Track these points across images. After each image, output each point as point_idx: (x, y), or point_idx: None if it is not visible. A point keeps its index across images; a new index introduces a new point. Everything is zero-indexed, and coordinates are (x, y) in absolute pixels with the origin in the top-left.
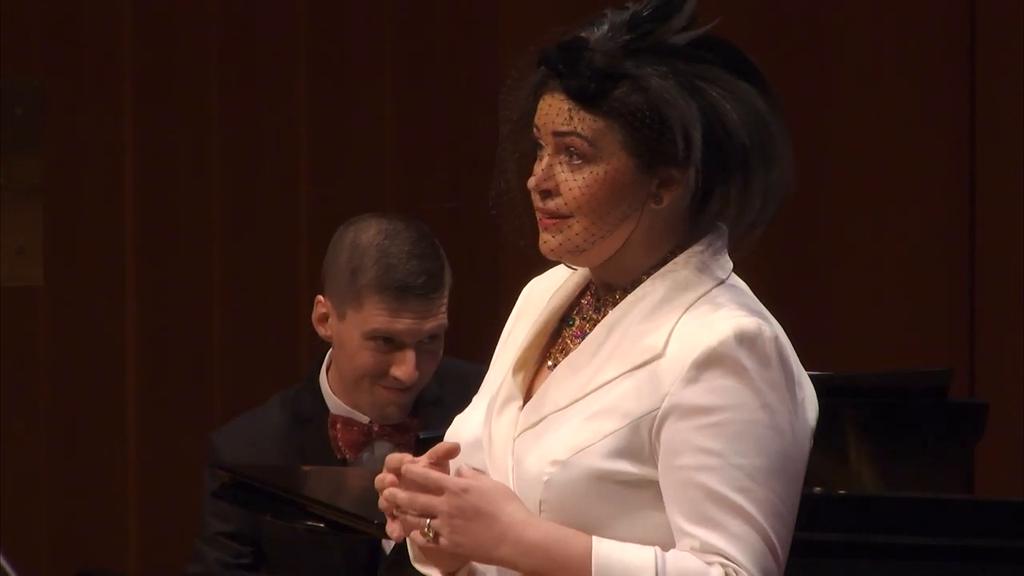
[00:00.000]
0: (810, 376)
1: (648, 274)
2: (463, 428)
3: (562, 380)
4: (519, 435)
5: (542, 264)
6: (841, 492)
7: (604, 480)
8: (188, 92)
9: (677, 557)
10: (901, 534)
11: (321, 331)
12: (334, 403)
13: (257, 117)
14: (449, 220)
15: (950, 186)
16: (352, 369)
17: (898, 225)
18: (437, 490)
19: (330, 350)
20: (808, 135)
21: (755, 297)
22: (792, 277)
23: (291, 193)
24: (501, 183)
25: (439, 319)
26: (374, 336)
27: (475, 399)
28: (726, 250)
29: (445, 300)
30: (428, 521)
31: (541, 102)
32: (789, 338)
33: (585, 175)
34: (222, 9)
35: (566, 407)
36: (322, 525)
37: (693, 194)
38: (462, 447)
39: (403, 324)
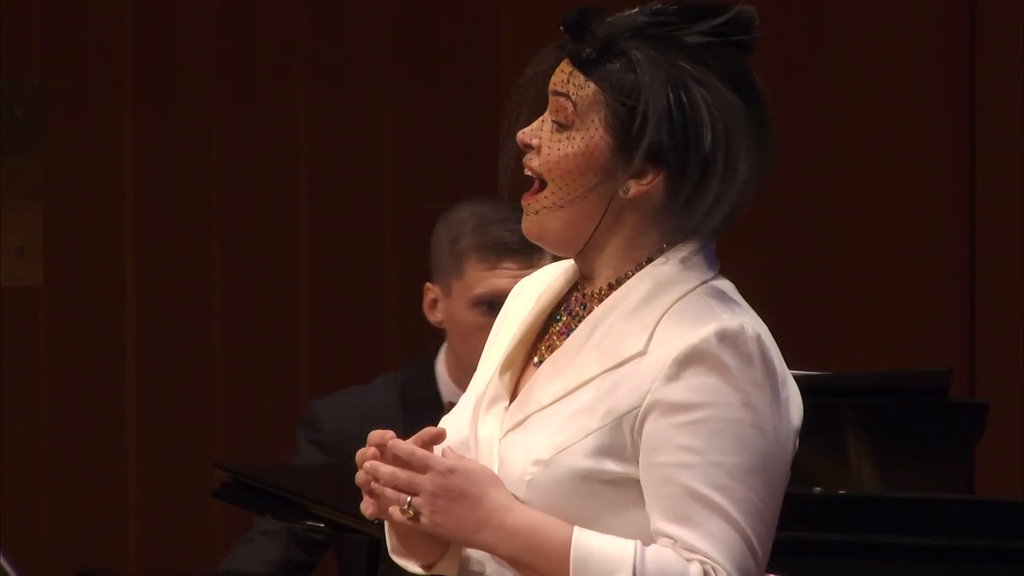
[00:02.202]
0: (810, 376)
1: (634, 271)
2: (450, 429)
3: (546, 379)
4: (504, 435)
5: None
6: (841, 492)
7: (587, 479)
8: (188, 92)
9: (657, 551)
10: (901, 534)
11: (432, 317)
12: (450, 390)
13: (257, 117)
14: None
15: (950, 186)
16: (464, 347)
17: (898, 225)
18: (422, 468)
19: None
20: (808, 135)
21: (741, 297)
22: (792, 277)
23: (291, 193)
24: (507, 133)
25: None
26: (479, 301)
27: (462, 399)
28: (713, 250)
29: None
30: (409, 498)
31: (559, 64)
32: (789, 338)
33: (563, 140)
34: (222, 9)
35: (549, 405)
36: (322, 525)
37: (662, 188)
38: (452, 447)
39: (504, 281)
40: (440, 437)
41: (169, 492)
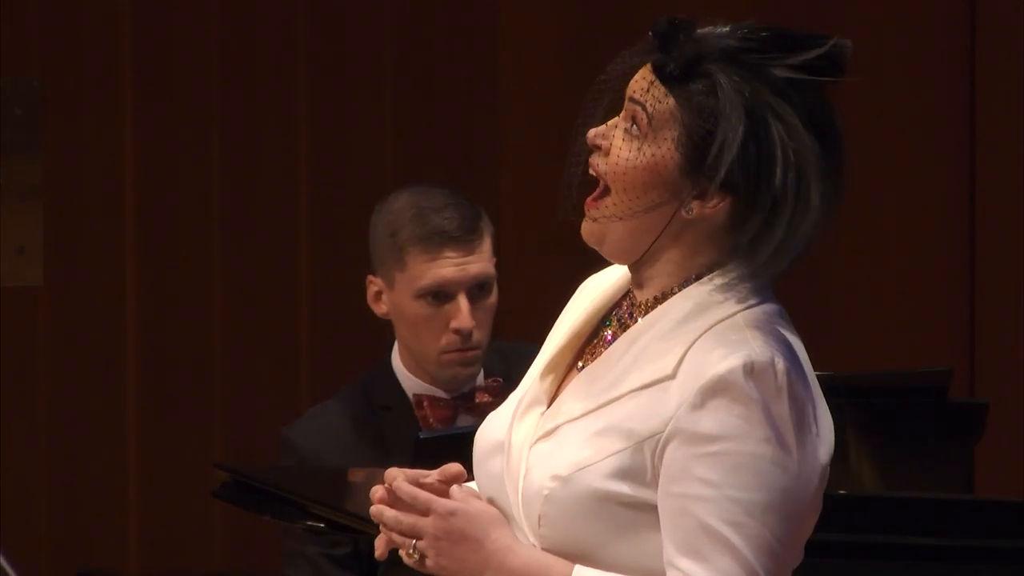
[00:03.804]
0: None
1: (680, 288)
2: (490, 428)
3: (580, 390)
4: (535, 442)
5: (539, 265)
6: (841, 492)
7: (604, 500)
8: (188, 92)
9: None
10: (901, 534)
11: (377, 310)
12: (411, 383)
13: (257, 117)
14: None
15: (950, 186)
16: (414, 338)
17: (898, 225)
18: (425, 511)
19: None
20: None
21: (788, 323)
22: (792, 277)
23: (291, 193)
24: (579, 129)
25: (482, 264)
26: (423, 293)
27: (511, 395)
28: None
29: (487, 247)
30: (414, 542)
31: (641, 69)
32: None
33: (633, 149)
34: (222, 9)
35: (578, 418)
36: (322, 525)
37: (728, 216)
38: (487, 448)
39: (447, 271)
40: (460, 476)
41: (169, 492)
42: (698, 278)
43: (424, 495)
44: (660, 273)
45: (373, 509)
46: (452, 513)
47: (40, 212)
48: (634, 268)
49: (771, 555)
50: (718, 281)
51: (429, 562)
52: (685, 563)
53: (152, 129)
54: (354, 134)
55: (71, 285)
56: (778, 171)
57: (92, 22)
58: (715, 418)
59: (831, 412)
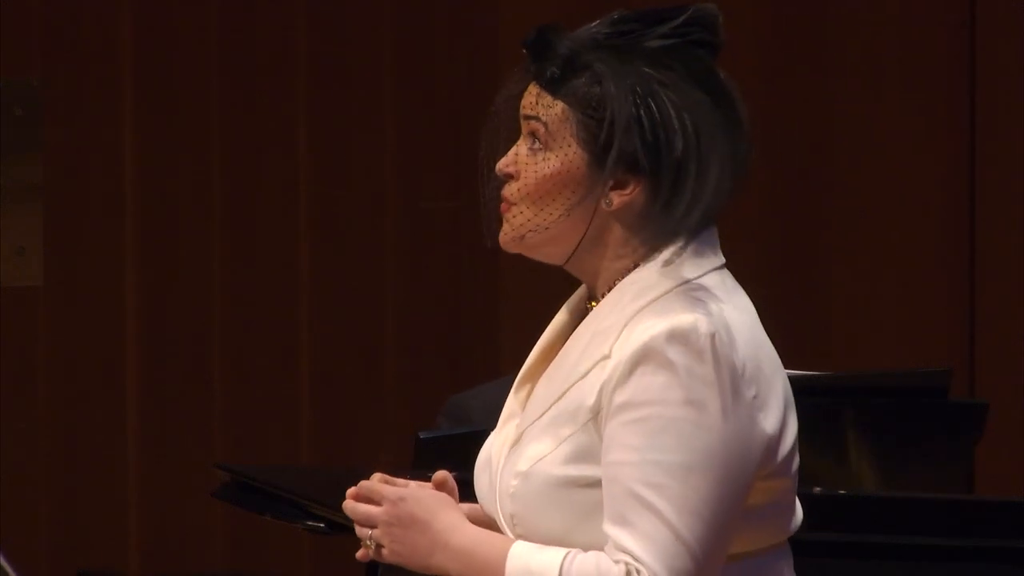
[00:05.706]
0: (810, 376)
1: (623, 278)
2: (485, 446)
3: (542, 392)
4: (508, 452)
5: (540, 265)
6: (841, 492)
7: (565, 486)
8: (188, 92)
9: (587, 557)
10: (901, 534)
11: None
12: None
13: (257, 117)
14: (449, 220)
15: (950, 186)
16: None
17: (898, 225)
18: (378, 500)
19: None
20: (808, 135)
21: (733, 293)
22: (793, 278)
23: (291, 193)
24: (485, 162)
25: None
26: None
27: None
28: (710, 249)
29: None
30: (370, 532)
31: (528, 87)
32: (789, 338)
33: (539, 161)
34: (222, 10)
35: (538, 419)
36: (322, 525)
37: (648, 196)
38: (479, 466)
39: None
40: (446, 482)
41: (169, 492)
42: (637, 266)
43: (377, 485)
44: (600, 271)
45: (343, 504)
46: (401, 499)
47: (40, 212)
48: (571, 269)
49: (696, 516)
50: (655, 263)
51: (384, 551)
52: (613, 530)
53: (152, 129)
54: (354, 134)
55: (71, 285)
56: (676, 137)
57: (92, 22)
58: (639, 385)
59: (831, 412)
